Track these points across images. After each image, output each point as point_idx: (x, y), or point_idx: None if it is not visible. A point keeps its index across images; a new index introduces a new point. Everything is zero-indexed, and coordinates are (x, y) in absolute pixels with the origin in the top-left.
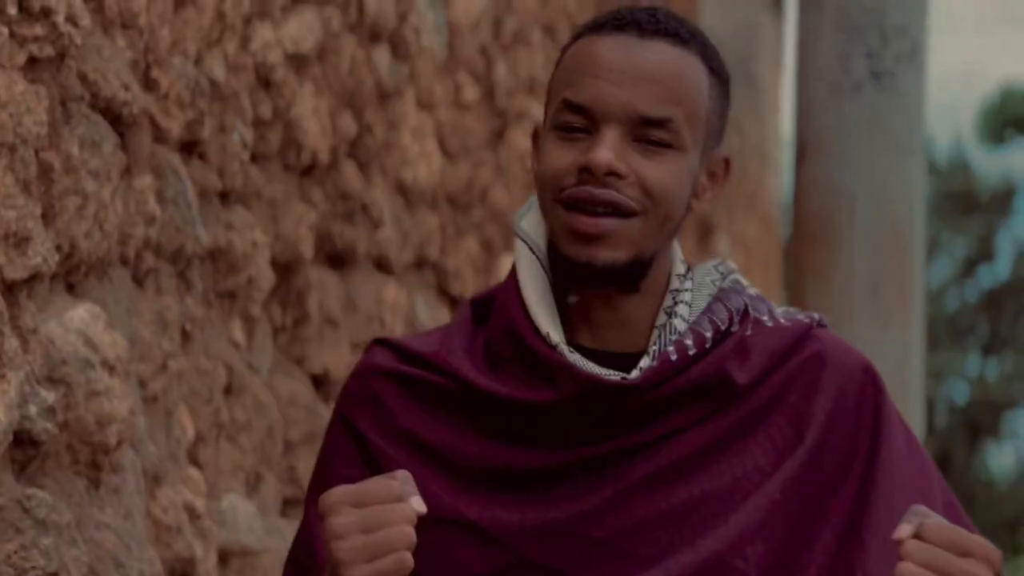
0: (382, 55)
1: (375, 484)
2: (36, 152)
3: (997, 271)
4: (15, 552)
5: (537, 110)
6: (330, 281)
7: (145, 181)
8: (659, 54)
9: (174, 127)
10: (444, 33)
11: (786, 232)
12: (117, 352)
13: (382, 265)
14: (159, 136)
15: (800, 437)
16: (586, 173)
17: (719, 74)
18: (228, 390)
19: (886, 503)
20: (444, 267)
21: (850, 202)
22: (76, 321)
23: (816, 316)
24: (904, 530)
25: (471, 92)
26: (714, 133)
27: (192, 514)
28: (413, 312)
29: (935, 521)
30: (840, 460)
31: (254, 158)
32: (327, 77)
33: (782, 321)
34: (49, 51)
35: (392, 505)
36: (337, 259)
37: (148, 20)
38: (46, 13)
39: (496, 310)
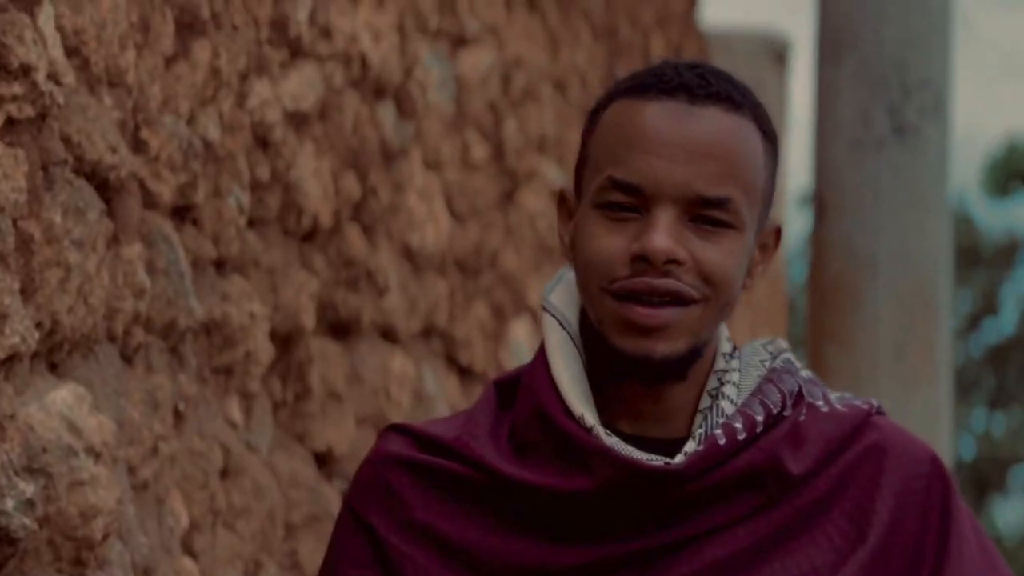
0: (387, 112)
1: None
2: (14, 221)
3: (1002, 325)
4: None
5: (547, 169)
6: (333, 352)
7: (134, 250)
8: (715, 124)
9: (165, 191)
10: (451, 88)
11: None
12: (103, 437)
13: (388, 334)
14: (149, 201)
15: (862, 536)
16: (642, 262)
17: (771, 138)
18: (224, 473)
19: None
20: (453, 335)
21: (872, 263)
22: (58, 404)
23: (875, 403)
24: None
25: (480, 151)
26: (768, 204)
27: None
28: (421, 384)
29: None
30: (906, 564)
31: (252, 223)
32: (329, 136)
33: (838, 407)
34: (29, 111)
35: None
36: (341, 329)
37: (137, 77)
38: (25, 71)
39: (523, 392)
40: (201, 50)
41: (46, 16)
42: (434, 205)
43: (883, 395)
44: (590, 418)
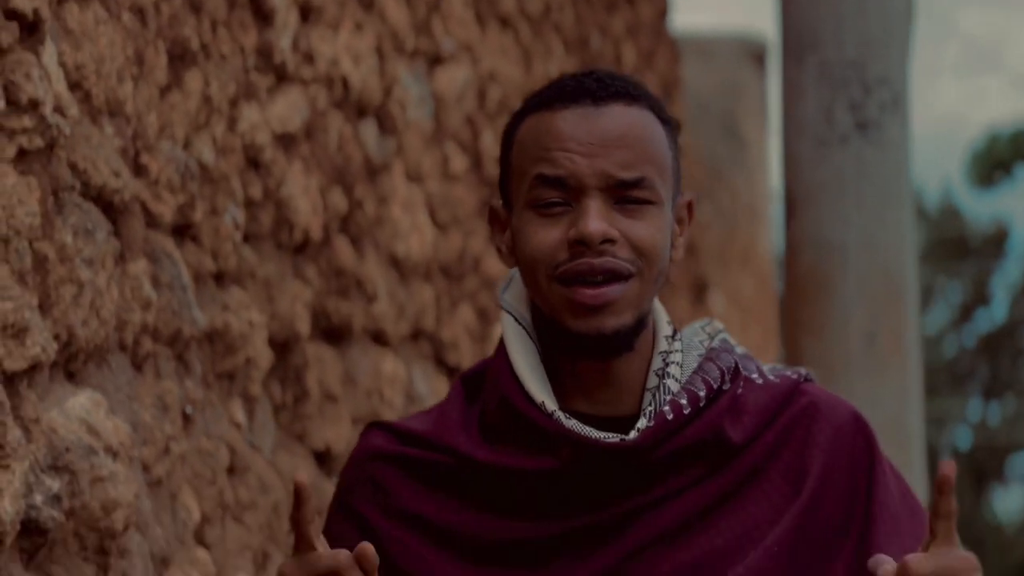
0: (369, 130)
1: (322, 556)
2: (30, 243)
3: (994, 314)
4: None
5: None
6: (328, 357)
7: (140, 266)
8: (619, 117)
9: (166, 212)
10: (430, 105)
11: (780, 287)
12: (119, 438)
13: (379, 338)
14: (151, 221)
15: (797, 492)
16: (580, 245)
17: (669, 122)
18: (231, 470)
19: (885, 542)
20: (440, 338)
21: (842, 254)
22: (77, 409)
23: (803, 371)
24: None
25: (459, 162)
26: (677, 180)
27: None
28: (411, 384)
29: (916, 556)
30: (838, 511)
31: (247, 238)
32: (316, 155)
33: (771, 378)
34: (39, 142)
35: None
36: (334, 334)
37: (135, 107)
38: (34, 105)
39: (488, 384)
40: (193, 79)
41: (49, 54)
42: (418, 216)
43: (855, 381)
44: (550, 404)
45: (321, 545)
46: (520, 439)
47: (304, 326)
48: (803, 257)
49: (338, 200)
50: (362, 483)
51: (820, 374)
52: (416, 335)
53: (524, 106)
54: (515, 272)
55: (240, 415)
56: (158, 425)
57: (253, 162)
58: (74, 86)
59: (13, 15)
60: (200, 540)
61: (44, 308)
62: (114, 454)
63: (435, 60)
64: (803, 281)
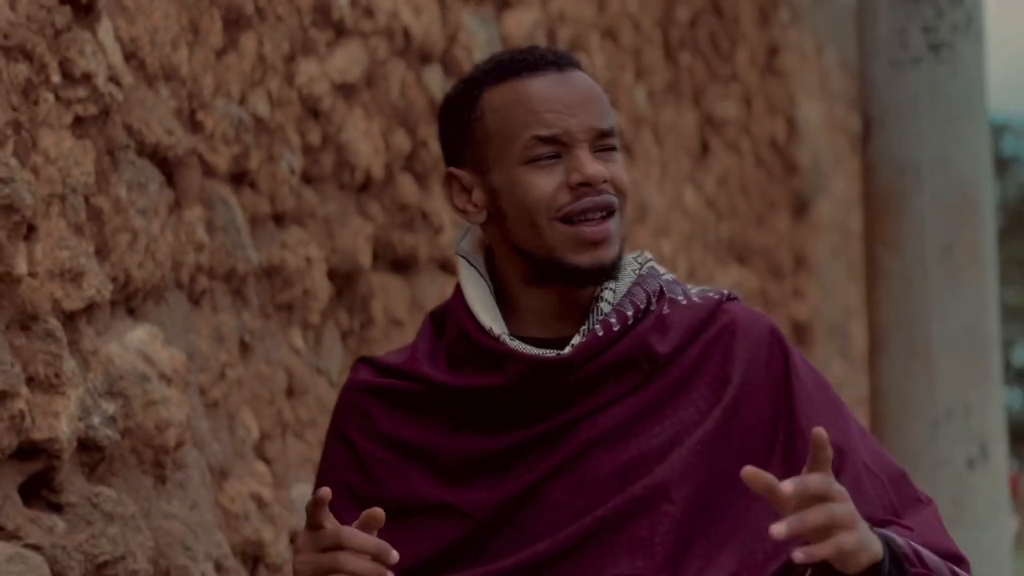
0: (433, 75)
1: (328, 533)
2: (86, 198)
3: None
4: (86, 541)
5: None
6: (394, 285)
7: (194, 213)
8: (583, 80)
9: (221, 162)
10: (497, 48)
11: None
12: (174, 366)
13: (446, 267)
14: (208, 171)
15: (719, 398)
16: (584, 187)
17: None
18: (290, 392)
19: (807, 425)
20: None
21: (916, 172)
22: (135, 341)
23: (726, 292)
24: (787, 487)
25: None
26: None
27: (260, 502)
28: None
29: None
30: (758, 411)
31: (309, 180)
32: (376, 101)
33: (695, 299)
34: (92, 110)
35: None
36: (399, 264)
37: (191, 70)
38: (87, 77)
39: (449, 319)
40: (248, 41)
41: (105, 29)
42: None
43: (932, 293)
44: (497, 329)
45: (330, 523)
46: (476, 363)
47: (366, 259)
48: (880, 175)
49: (401, 141)
50: (350, 412)
51: (899, 286)
52: None
53: (478, 78)
54: (469, 227)
55: (299, 342)
56: (214, 353)
57: (312, 111)
58: (129, 56)
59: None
60: (260, 455)
61: (102, 255)
62: (168, 380)
63: (503, 5)
64: (880, 198)
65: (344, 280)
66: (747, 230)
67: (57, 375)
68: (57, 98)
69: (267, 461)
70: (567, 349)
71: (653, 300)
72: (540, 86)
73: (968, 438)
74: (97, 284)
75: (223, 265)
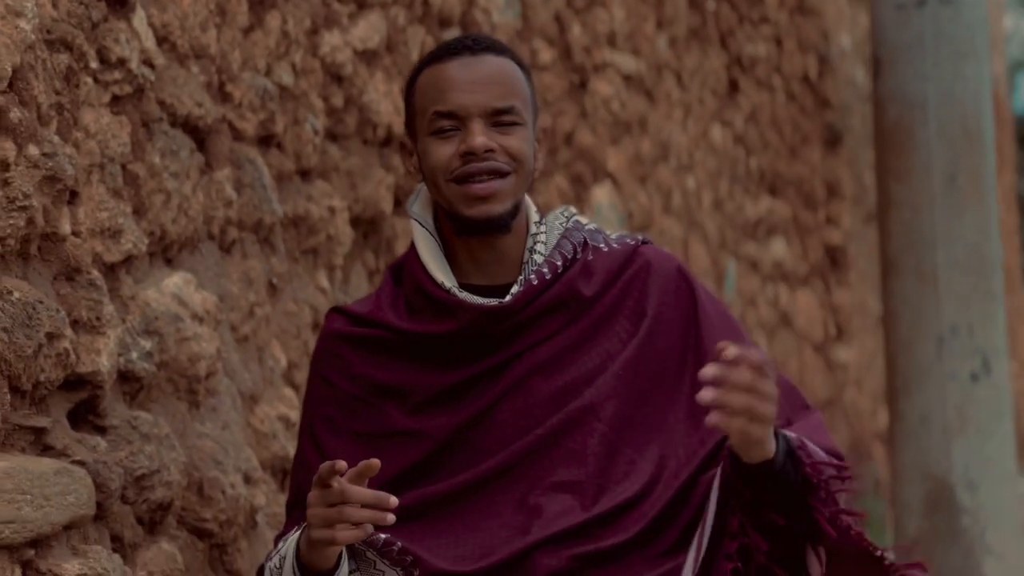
0: (452, 37)
1: (334, 491)
2: (123, 166)
3: None
4: (125, 457)
5: (622, 60)
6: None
7: (224, 173)
8: (490, 64)
9: (249, 128)
10: (516, 7)
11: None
12: (206, 307)
13: None
14: (237, 136)
15: (637, 329)
16: (470, 155)
17: (527, 70)
18: (316, 326)
19: (712, 347)
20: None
21: (923, 108)
22: (170, 287)
23: (640, 237)
24: (710, 371)
25: (546, 55)
26: (535, 111)
27: (287, 423)
28: None
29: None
30: (671, 338)
31: (334, 138)
32: (397, 64)
33: (615, 245)
34: (128, 89)
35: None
36: None
37: (219, 48)
38: (122, 62)
39: (405, 273)
40: (272, 19)
41: (139, 19)
42: None
43: (938, 219)
44: (448, 282)
45: (336, 483)
46: (432, 311)
47: (388, 206)
48: (889, 111)
49: None
50: (327, 356)
51: (907, 214)
52: None
53: (421, 63)
54: (421, 187)
55: (325, 282)
56: (244, 295)
57: (336, 78)
58: (161, 40)
59: None
60: (288, 382)
61: (139, 214)
62: (200, 319)
63: None
64: (890, 132)
65: (369, 225)
66: (778, 162)
67: (98, 318)
68: (96, 81)
69: (294, 387)
70: (507, 298)
71: (579, 250)
72: (449, 68)
73: (972, 353)
74: (134, 239)
75: (251, 217)
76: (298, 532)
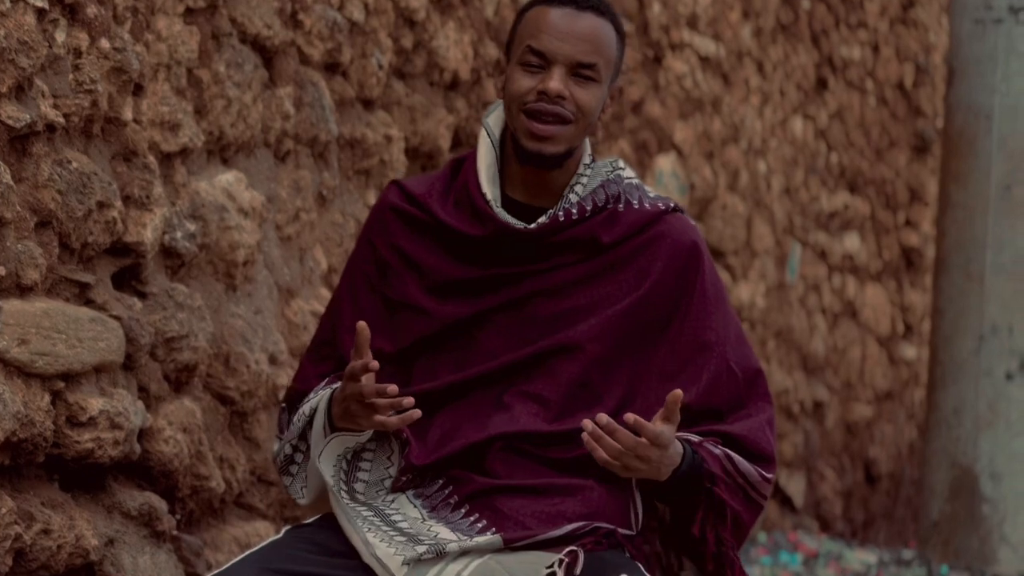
0: None
1: (362, 387)
2: (189, 71)
3: None
4: (158, 320)
5: (701, 42)
6: None
7: (286, 91)
8: (588, 22)
9: (315, 54)
10: None
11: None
12: (253, 204)
13: None
14: (304, 60)
15: (640, 286)
16: (544, 95)
17: (622, 33)
18: None
19: (693, 327)
20: None
21: (988, 118)
22: (222, 182)
23: (672, 203)
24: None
25: (625, 27)
26: (617, 72)
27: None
28: None
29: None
30: (666, 304)
31: (401, 76)
32: (471, 17)
33: (647, 205)
34: (201, 4)
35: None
36: None
37: None
38: None
39: (462, 173)
40: None
41: None
42: None
43: (992, 224)
44: (490, 193)
45: (365, 379)
46: (470, 212)
47: (445, 143)
48: (956, 118)
49: (491, 51)
50: (378, 223)
51: (962, 216)
52: None
53: (531, 1)
54: (499, 103)
55: (373, 201)
56: (291, 200)
57: (408, 21)
58: None
59: None
60: (326, 283)
61: (200, 114)
62: (245, 213)
63: None
64: (955, 138)
65: (426, 158)
66: (861, 162)
67: (148, 197)
68: None
69: (331, 289)
70: (534, 225)
71: (611, 200)
72: (553, 14)
73: (1009, 353)
74: (191, 135)
75: (308, 133)
76: (329, 390)
